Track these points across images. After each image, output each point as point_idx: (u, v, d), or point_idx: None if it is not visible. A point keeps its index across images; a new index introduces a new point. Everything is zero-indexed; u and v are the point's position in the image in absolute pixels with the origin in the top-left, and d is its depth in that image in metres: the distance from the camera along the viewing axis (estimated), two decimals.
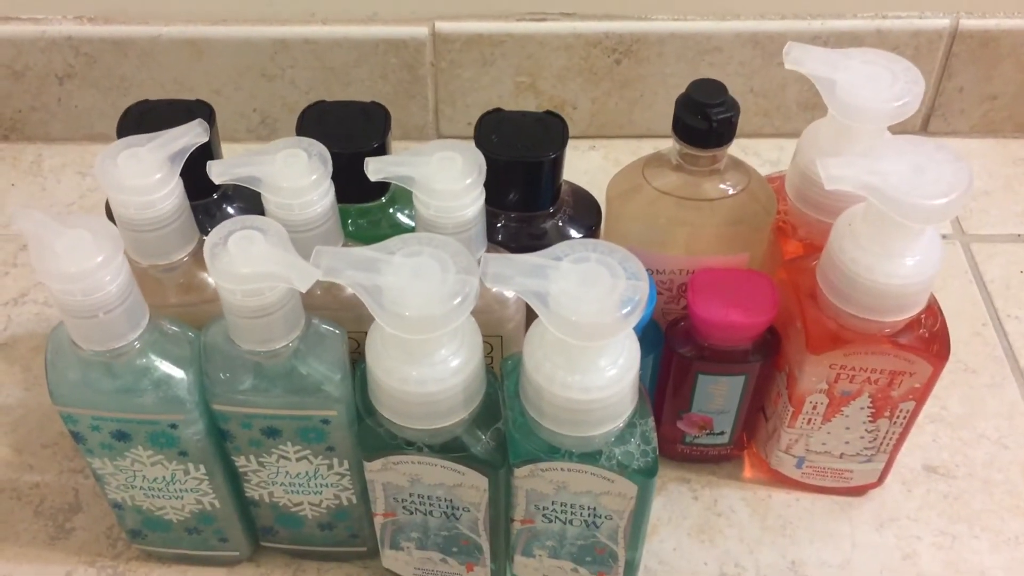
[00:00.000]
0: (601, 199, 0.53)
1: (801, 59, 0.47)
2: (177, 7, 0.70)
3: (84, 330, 0.40)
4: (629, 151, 0.75)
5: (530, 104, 0.74)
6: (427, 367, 0.40)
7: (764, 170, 0.72)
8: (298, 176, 0.43)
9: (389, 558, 0.51)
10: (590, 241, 0.39)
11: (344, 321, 0.45)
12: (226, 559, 0.53)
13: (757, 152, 0.76)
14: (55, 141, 0.76)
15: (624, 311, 0.37)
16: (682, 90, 0.48)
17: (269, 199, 0.43)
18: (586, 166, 0.75)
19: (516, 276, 0.37)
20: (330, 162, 0.44)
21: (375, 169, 0.43)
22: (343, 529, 0.51)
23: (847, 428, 0.52)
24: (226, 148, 0.74)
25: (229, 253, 0.39)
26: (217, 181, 0.42)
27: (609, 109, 0.75)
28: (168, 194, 0.43)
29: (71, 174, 0.74)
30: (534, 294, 0.37)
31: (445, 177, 0.43)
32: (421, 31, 0.70)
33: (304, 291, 0.39)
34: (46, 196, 0.73)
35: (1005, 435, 0.59)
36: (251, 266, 0.39)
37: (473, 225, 0.44)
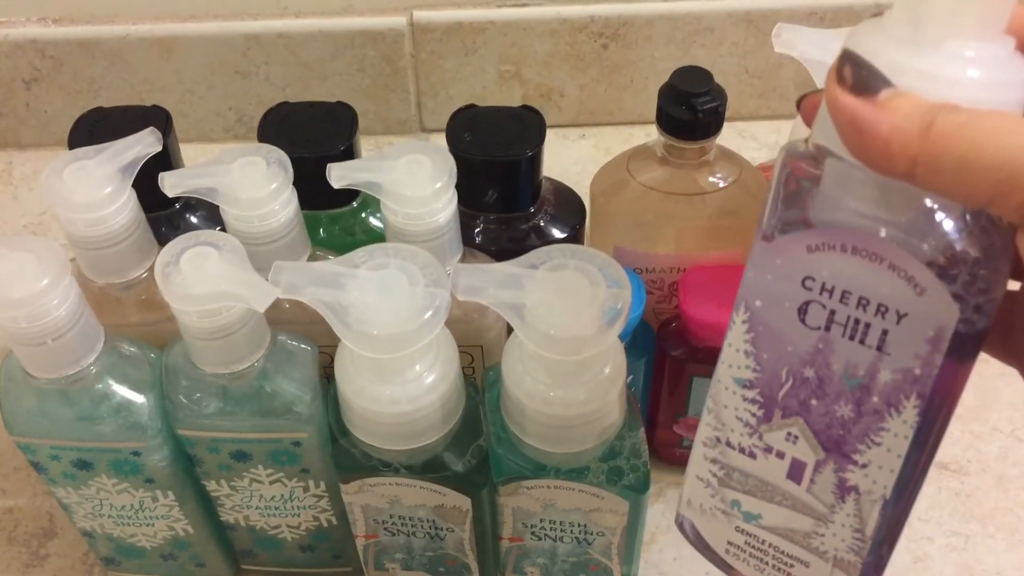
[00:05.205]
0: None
1: (792, 42, 0.45)
2: (144, 5, 0.67)
3: (34, 358, 0.38)
4: (621, 138, 0.73)
5: (515, 93, 0.71)
6: (399, 385, 0.37)
7: (762, 154, 0.70)
8: (257, 186, 0.40)
9: None
10: (568, 247, 0.36)
11: (315, 335, 0.42)
12: None
13: (754, 135, 0.73)
14: (26, 148, 0.74)
15: (606, 322, 0.34)
16: None
17: (227, 211, 0.41)
18: (576, 156, 0.72)
19: (489, 288, 0.35)
20: (291, 169, 0.41)
21: (338, 176, 0.40)
22: (325, 550, 0.48)
23: None
24: (202, 148, 0.72)
25: (182, 272, 0.36)
26: (170, 194, 0.40)
27: (598, 96, 0.72)
28: (120, 209, 0.40)
29: None
30: (509, 306, 0.35)
31: (413, 182, 0.40)
32: (399, 21, 0.67)
33: (262, 311, 0.36)
34: (17, 206, 0.70)
35: (1019, 427, 0.57)
36: (205, 286, 0.36)
37: (446, 231, 0.41)
